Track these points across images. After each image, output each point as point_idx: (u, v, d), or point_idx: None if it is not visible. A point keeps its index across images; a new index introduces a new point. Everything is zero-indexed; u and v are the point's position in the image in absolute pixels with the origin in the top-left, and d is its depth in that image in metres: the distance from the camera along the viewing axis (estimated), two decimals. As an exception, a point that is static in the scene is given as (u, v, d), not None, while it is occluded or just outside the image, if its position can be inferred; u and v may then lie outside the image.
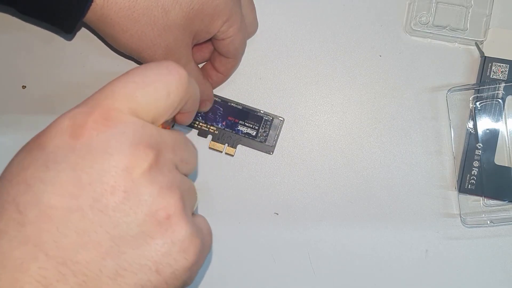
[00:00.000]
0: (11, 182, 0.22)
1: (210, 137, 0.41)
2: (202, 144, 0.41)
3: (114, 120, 0.22)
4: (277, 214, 0.41)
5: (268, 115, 0.41)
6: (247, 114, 0.41)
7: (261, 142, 0.41)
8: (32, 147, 0.23)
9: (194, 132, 0.41)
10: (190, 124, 0.41)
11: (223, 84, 0.41)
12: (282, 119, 0.41)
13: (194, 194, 0.26)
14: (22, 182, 0.21)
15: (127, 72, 0.24)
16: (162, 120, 0.25)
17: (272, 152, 0.41)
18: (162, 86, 0.24)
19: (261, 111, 0.41)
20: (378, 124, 0.41)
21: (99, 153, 0.22)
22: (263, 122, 0.41)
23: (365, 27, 0.41)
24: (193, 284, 0.41)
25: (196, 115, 0.41)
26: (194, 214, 0.26)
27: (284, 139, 0.41)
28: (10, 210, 0.21)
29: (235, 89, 0.42)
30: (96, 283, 0.21)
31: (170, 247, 0.22)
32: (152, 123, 0.24)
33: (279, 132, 0.41)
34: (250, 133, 0.41)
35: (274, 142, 0.41)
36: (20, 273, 0.20)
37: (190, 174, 0.27)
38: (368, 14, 0.41)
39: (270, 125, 0.41)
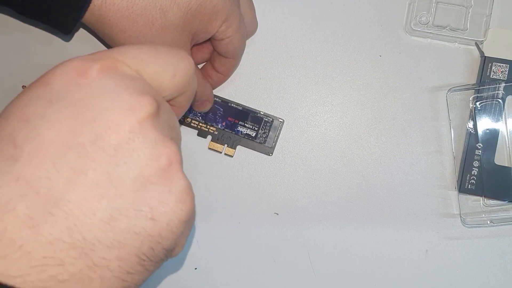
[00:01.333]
0: (8, 119, 0.21)
1: (209, 137, 0.41)
2: (202, 144, 0.41)
3: (121, 71, 0.22)
4: (277, 214, 0.41)
5: (268, 116, 0.41)
6: (247, 115, 0.41)
7: (261, 143, 0.41)
8: (35, 85, 0.22)
9: (194, 132, 0.41)
10: (190, 124, 0.41)
11: (224, 84, 0.41)
12: (282, 120, 0.41)
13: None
14: (22, 118, 0.20)
15: (141, 44, 0.25)
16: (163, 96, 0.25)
17: (272, 153, 0.41)
18: (171, 65, 0.24)
19: (261, 112, 0.41)
20: (378, 124, 0.41)
21: (106, 90, 0.21)
22: (263, 123, 0.41)
23: (365, 27, 0.41)
24: (193, 284, 0.41)
25: (196, 115, 0.41)
26: None
27: (284, 139, 0.41)
28: (4, 144, 0.20)
29: (235, 89, 0.42)
30: (88, 225, 0.20)
31: (168, 196, 0.22)
32: None
33: (279, 133, 0.41)
34: (249, 134, 0.41)
35: (273, 144, 0.41)
36: (5, 212, 0.19)
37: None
38: (368, 14, 0.41)
39: (270, 126, 0.41)
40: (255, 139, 0.41)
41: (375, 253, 0.41)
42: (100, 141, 0.20)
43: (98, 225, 0.20)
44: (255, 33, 0.41)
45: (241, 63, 0.41)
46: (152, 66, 0.24)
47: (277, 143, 0.41)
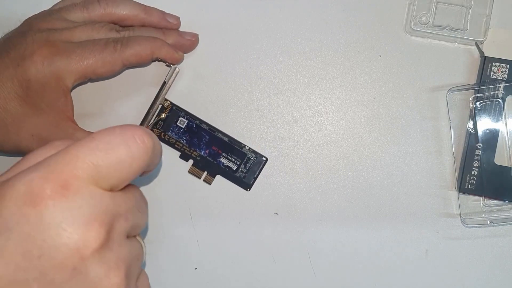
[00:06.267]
0: None
1: (191, 161, 0.41)
2: (183, 167, 0.41)
3: (72, 190, 0.22)
4: (277, 214, 0.41)
5: (252, 153, 0.41)
6: (231, 148, 0.41)
7: (240, 178, 0.41)
8: None
9: (177, 154, 0.41)
10: (174, 145, 0.41)
11: (223, 84, 0.41)
12: (265, 159, 0.41)
13: (141, 254, 0.27)
14: None
15: (91, 137, 0.24)
16: (121, 186, 0.25)
17: (249, 189, 0.41)
18: (126, 155, 0.24)
19: (247, 147, 0.41)
20: (378, 124, 0.41)
21: (52, 226, 0.21)
22: (245, 159, 0.41)
23: (365, 27, 0.41)
24: (193, 284, 0.41)
25: (181, 138, 0.41)
26: (139, 274, 0.27)
27: (284, 140, 0.41)
28: None
29: (235, 89, 0.42)
30: None
31: None
32: (111, 189, 0.24)
33: (260, 171, 0.41)
34: (230, 167, 0.41)
35: (252, 181, 0.41)
36: None
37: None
38: (368, 14, 0.41)
39: (252, 163, 0.41)
40: (235, 172, 0.41)
41: (375, 253, 0.41)
42: (45, 278, 0.21)
43: None
44: (255, 33, 0.41)
45: (241, 63, 0.42)
46: (107, 167, 0.23)
47: (276, 146, 0.41)
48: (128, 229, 0.25)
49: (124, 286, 0.23)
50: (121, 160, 0.24)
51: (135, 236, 0.27)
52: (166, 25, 0.40)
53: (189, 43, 0.41)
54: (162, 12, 0.40)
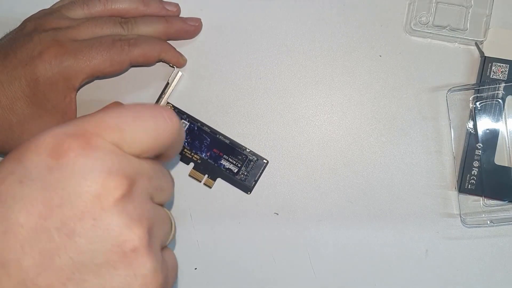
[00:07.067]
0: None
1: (192, 164, 0.41)
2: (183, 170, 0.41)
3: (95, 146, 0.22)
4: (277, 214, 0.41)
5: (253, 155, 0.41)
6: (232, 150, 0.41)
7: (241, 180, 0.41)
8: (10, 160, 0.22)
9: (177, 157, 0.41)
10: None
11: (224, 84, 0.41)
12: (266, 161, 0.41)
13: (167, 225, 0.26)
14: None
15: (124, 106, 0.24)
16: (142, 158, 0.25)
17: (250, 192, 0.41)
18: (153, 129, 0.24)
19: (247, 150, 0.41)
20: (378, 124, 0.41)
21: (74, 176, 0.21)
22: (246, 161, 0.41)
23: (365, 27, 0.41)
24: (193, 284, 0.41)
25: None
26: (165, 247, 0.26)
27: (284, 140, 0.41)
28: None
29: (235, 89, 0.42)
30: None
31: (132, 280, 0.22)
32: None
33: (261, 174, 0.41)
34: (231, 169, 0.41)
35: (253, 183, 0.41)
36: None
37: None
38: (368, 14, 0.41)
39: (253, 165, 0.41)
40: (236, 175, 0.41)
41: (375, 253, 0.41)
42: (66, 227, 0.21)
43: None
44: (255, 33, 0.41)
45: (241, 63, 0.42)
46: (131, 134, 0.24)
47: (276, 144, 0.41)
48: (151, 190, 0.25)
49: (146, 240, 0.23)
50: (147, 131, 0.24)
51: (162, 206, 0.27)
52: (166, 14, 0.41)
53: (193, 28, 0.41)
54: (161, 1, 0.41)
